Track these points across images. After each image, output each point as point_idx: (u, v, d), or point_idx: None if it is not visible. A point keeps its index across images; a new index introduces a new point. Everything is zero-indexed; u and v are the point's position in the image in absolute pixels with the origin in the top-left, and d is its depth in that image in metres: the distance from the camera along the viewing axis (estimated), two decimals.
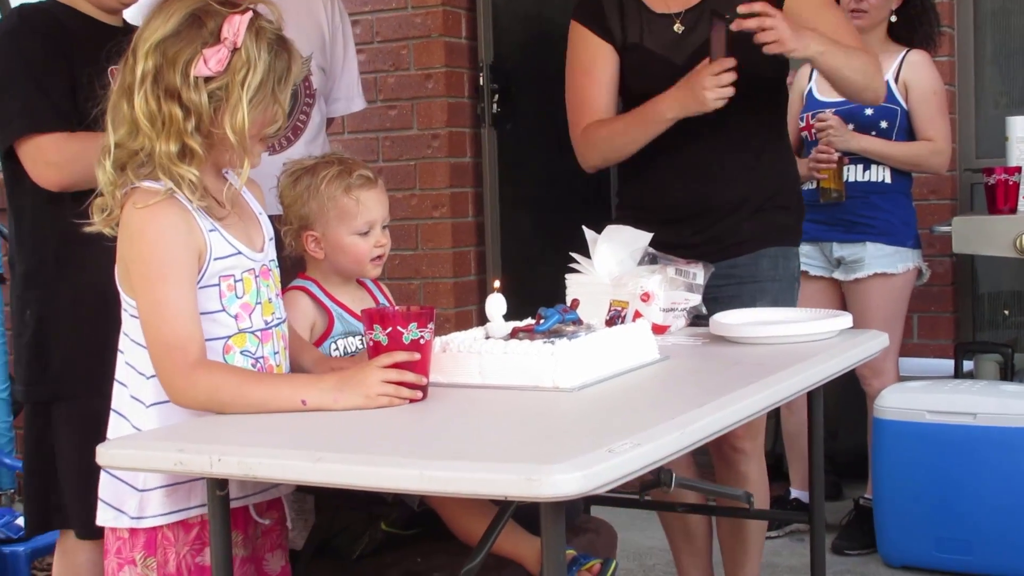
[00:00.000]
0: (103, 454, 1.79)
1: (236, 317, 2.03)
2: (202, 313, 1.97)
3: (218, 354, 2.00)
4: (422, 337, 1.94)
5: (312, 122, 3.17)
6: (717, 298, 2.73)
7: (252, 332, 2.05)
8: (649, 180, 2.92)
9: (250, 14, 1.95)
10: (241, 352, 2.03)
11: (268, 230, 2.14)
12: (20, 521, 3.62)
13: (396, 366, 1.91)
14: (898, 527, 3.67)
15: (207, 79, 1.93)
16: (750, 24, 2.55)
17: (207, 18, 1.95)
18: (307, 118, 3.15)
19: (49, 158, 2.54)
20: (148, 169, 1.96)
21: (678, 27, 2.80)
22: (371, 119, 4.85)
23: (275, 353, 2.10)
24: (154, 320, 1.94)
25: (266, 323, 2.08)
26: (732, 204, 2.85)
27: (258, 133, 2.00)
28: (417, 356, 1.93)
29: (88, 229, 2.02)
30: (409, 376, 1.92)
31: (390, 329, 1.93)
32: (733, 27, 2.58)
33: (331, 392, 1.91)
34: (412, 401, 1.93)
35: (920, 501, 3.60)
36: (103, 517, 2.05)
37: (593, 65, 2.87)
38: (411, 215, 4.84)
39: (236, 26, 1.93)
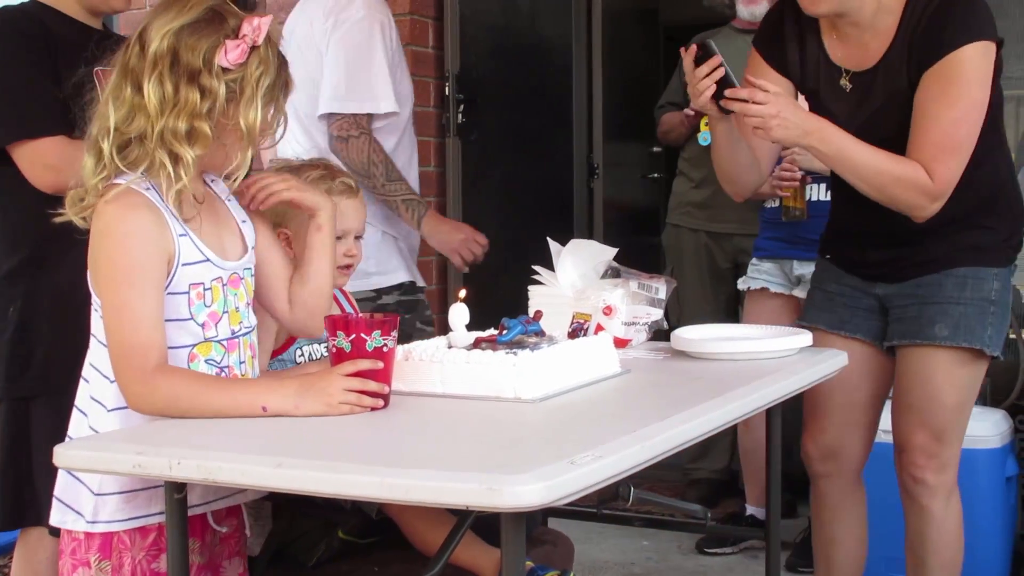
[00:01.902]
0: (60, 455, 1.78)
1: (203, 326, 2.02)
2: (170, 320, 1.97)
3: (183, 362, 1.99)
4: (385, 345, 1.94)
5: None
6: (901, 318, 2.69)
7: (218, 341, 2.04)
8: (854, 206, 2.74)
9: (271, 17, 2.01)
10: (206, 360, 2.02)
11: (251, 239, 2.13)
12: None
13: (359, 374, 1.91)
14: None
15: (224, 70, 1.96)
16: (740, 94, 2.51)
17: (228, 15, 2.00)
18: None
19: (48, 161, 2.55)
20: (135, 154, 1.96)
21: (844, 83, 2.68)
22: None
23: (241, 363, 2.09)
24: (116, 324, 1.92)
25: (232, 332, 2.06)
26: (924, 226, 2.64)
27: (260, 134, 2.03)
28: (380, 364, 1.93)
29: (58, 219, 2.02)
30: (371, 384, 1.92)
31: (353, 336, 1.93)
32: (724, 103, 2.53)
33: (292, 398, 1.90)
34: (373, 409, 1.92)
35: (872, 520, 3.62)
36: (57, 517, 2.03)
37: None
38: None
39: (257, 25, 1.98)
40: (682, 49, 2.57)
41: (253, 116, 1.99)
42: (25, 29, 2.61)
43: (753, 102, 2.49)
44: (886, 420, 3.46)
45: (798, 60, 2.74)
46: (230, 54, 1.96)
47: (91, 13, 2.73)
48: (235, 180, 2.09)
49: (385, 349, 1.94)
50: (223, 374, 2.04)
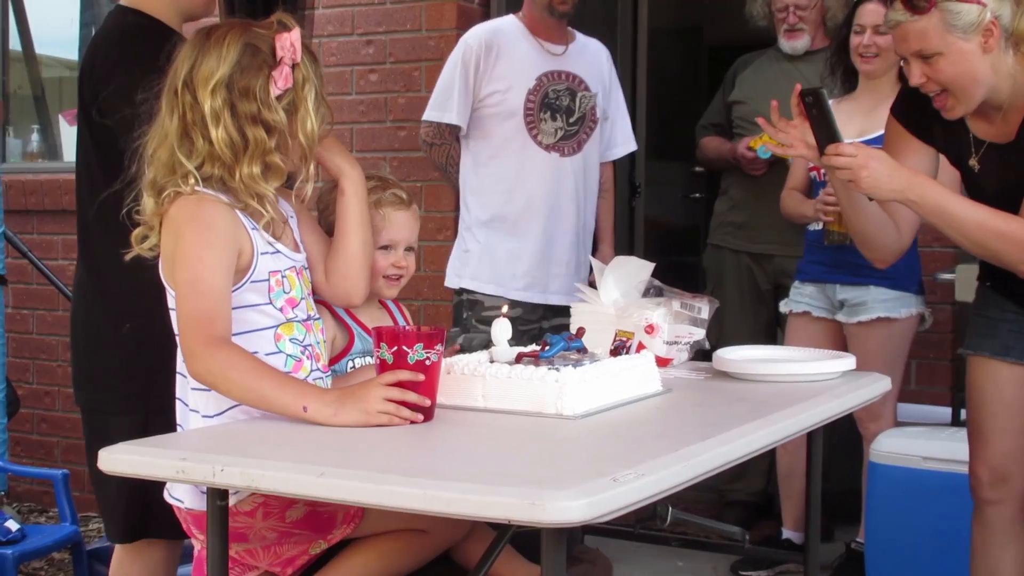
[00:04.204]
0: (106, 459, 1.79)
1: (281, 309, 2.13)
2: (250, 306, 2.09)
3: (270, 342, 2.10)
4: (428, 358, 1.94)
5: (592, 138, 3.90)
6: None
7: (299, 322, 2.15)
8: None
9: (298, 30, 2.10)
10: (290, 340, 2.13)
11: (298, 235, 2.25)
12: (10, 524, 3.62)
13: (400, 385, 1.92)
14: (889, 573, 3.66)
15: (278, 98, 2.09)
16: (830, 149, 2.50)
17: (260, 44, 2.11)
18: (588, 136, 3.88)
19: None
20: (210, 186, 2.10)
21: (973, 163, 2.67)
22: (380, 139, 4.86)
23: (318, 343, 2.20)
24: (187, 296, 2.03)
25: (308, 315, 2.19)
26: None
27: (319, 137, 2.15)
28: (421, 377, 1.93)
29: (128, 256, 2.16)
30: (411, 396, 1.92)
31: (396, 348, 1.94)
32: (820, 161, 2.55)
33: (332, 406, 1.93)
34: (413, 422, 1.92)
35: (912, 548, 3.59)
36: (192, 501, 2.12)
37: (905, 156, 2.69)
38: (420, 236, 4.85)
39: (288, 43, 2.09)
40: (797, 90, 2.57)
41: (310, 126, 2.12)
42: (152, 41, 2.53)
43: (841, 154, 2.47)
44: (949, 450, 3.42)
45: (941, 133, 2.70)
46: (279, 82, 2.09)
47: (185, 19, 2.76)
48: (305, 197, 2.20)
49: (428, 362, 1.94)
50: (306, 352, 2.15)
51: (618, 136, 4.06)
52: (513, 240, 3.79)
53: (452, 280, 3.90)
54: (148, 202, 2.12)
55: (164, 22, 2.72)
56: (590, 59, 3.96)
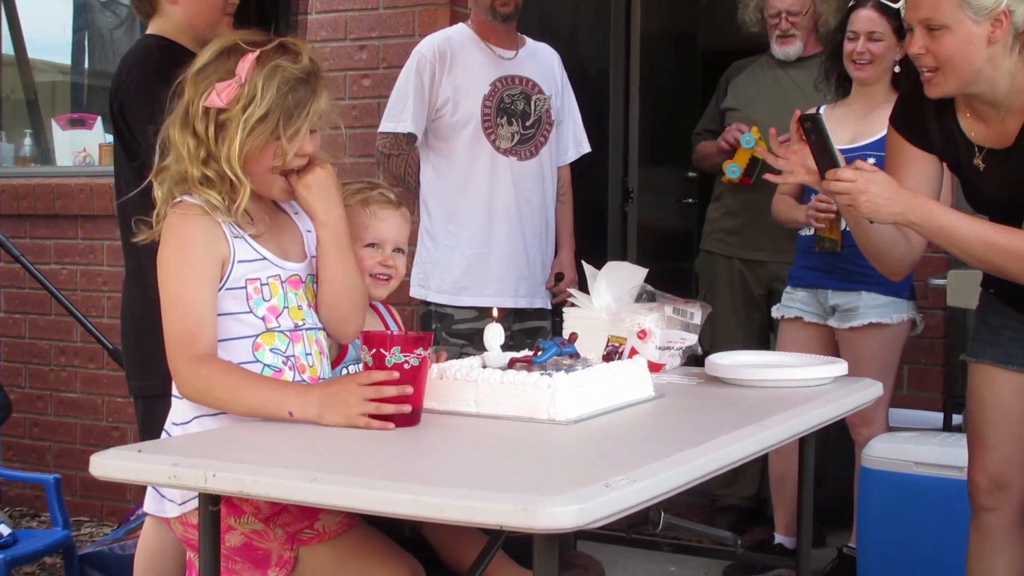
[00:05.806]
0: (97, 464, 1.79)
1: (263, 319, 2.13)
2: (229, 314, 2.09)
3: (247, 351, 2.11)
4: (407, 362, 1.95)
5: (550, 141, 3.95)
6: None
7: (281, 332, 2.14)
8: None
9: (256, 52, 2.08)
10: (271, 349, 2.13)
11: (312, 248, 2.24)
12: (1, 528, 3.61)
13: (382, 386, 1.93)
14: None
15: (219, 111, 2.07)
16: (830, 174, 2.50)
17: (232, 55, 2.11)
18: (545, 139, 3.93)
19: None
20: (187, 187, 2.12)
21: (977, 163, 2.64)
22: (373, 143, 4.85)
23: (307, 354, 2.18)
24: (169, 315, 2.06)
25: (296, 325, 2.17)
26: None
27: (264, 165, 2.11)
28: (396, 374, 1.94)
29: (138, 240, 2.19)
30: (389, 391, 1.93)
31: (374, 351, 1.96)
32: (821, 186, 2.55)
33: (315, 407, 1.97)
34: (399, 425, 1.93)
35: (904, 553, 3.59)
36: (154, 506, 2.16)
37: (907, 167, 2.71)
38: (408, 241, 4.84)
39: (248, 62, 2.08)
40: (796, 116, 2.58)
41: (228, 151, 2.07)
42: (170, 59, 2.60)
43: (840, 179, 2.47)
44: (941, 455, 3.42)
45: (939, 136, 2.69)
46: (221, 95, 2.07)
47: (199, 42, 2.83)
48: (235, 218, 2.14)
49: (406, 366, 1.95)
50: (289, 363, 2.14)
51: (569, 140, 4.09)
52: (477, 246, 3.80)
53: (417, 291, 3.87)
54: (159, 192, 2.15)
55: (182, 44, 2.89)
56: (541, 63, 3.99)
